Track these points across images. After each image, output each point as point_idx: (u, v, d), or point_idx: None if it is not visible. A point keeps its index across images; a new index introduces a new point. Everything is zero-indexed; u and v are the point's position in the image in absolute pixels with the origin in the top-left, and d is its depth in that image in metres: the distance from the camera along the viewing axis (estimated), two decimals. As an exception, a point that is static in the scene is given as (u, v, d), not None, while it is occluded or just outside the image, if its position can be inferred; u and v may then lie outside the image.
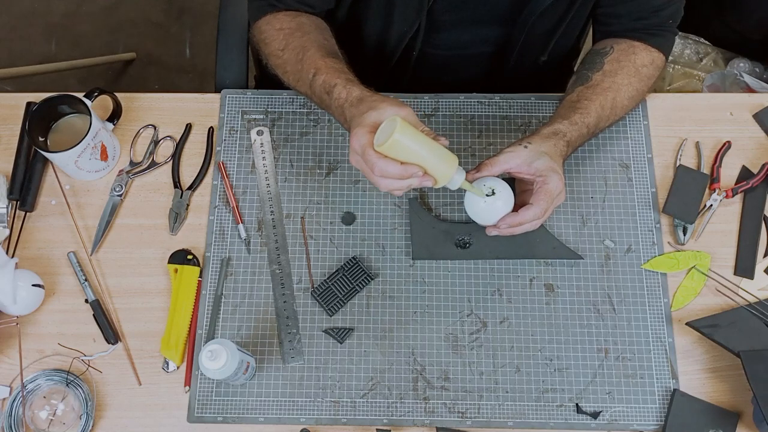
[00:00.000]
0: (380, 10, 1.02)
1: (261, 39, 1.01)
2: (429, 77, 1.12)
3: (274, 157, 1.05)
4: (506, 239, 0.97)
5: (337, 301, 0.97)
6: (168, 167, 1.05)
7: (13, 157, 1.04)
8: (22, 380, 0.92)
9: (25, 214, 1.02)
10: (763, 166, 1.03)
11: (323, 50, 0.94)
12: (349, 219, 1.02)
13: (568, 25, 1.04)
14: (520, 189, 0.92)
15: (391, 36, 1.04)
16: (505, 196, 0.88)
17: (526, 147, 0.88)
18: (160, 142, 1.07)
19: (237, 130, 1.07)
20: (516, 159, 0.87)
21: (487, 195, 0.87)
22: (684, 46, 1.54)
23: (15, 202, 1.02)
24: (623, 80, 0.99)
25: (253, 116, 1.08)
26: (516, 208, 0.88)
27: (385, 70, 1.10)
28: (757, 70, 1.48)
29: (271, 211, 1.02)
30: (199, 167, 1.05)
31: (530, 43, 1.05)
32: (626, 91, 0.99)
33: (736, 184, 1.04)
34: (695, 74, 1.52)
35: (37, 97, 1.04)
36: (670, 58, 1.52)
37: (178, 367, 0.94)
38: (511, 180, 0.92)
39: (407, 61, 1.08)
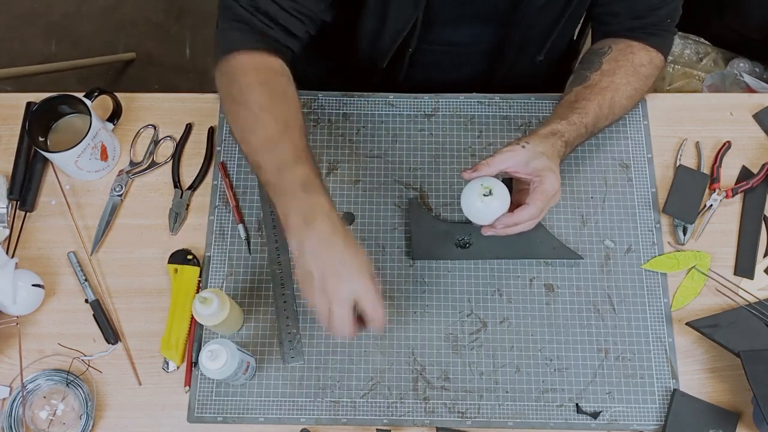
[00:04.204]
0: (376, 4, 1.01)
1: (232, 77, 0.89)
2: (424, 76, 1.12)
3: (274, 157, 1.05)
4: (506, 239, 0.97)
5: (337, 301, 0.96)
6: (168, 167, 1.05)
7: (13, 157, 1.04)
8: (22, 380, 0.92)
9: (25, 214, 1.02)
10: (763, 166, 1.03)
11: (303, 132, 0.87)
12: (349, 219, 1.02)
13: (565, 23, 1.04)
14: (517, 188, 0.93)
15: (387, 30, 1.03)
16: (502, 196, 0.88)
17: (523, 147, 0.88)
18: (160, 142, 1.07)
19: (237, 130, 1.07)
20: (513, 159, 0.87)
21: (484, 195, 0.87)
22: (684, 46, 1.54)
23: (15, 202, 1.02)
24: (621, 80, 0.99)
25: (253, 116, 1.08)
26: (512, 207, 0.88)
27: (379, 67, 1.10)
28: (757, 70, 1.48)
29: (271, 211, 1.02)
30: (199, 167, 1.05)
31: (527, 41, 1.05)
32: (624, 91, 0.99)
33: (736, 184, 1.04)
34: (695, 74, 1.52)
35: (37, 97, 1.04)
36: (670, 58, 1.52)
37: (178, 367, 0.94)
38: (508, 179, 0.93)
39: (402, 58, 1.07)
